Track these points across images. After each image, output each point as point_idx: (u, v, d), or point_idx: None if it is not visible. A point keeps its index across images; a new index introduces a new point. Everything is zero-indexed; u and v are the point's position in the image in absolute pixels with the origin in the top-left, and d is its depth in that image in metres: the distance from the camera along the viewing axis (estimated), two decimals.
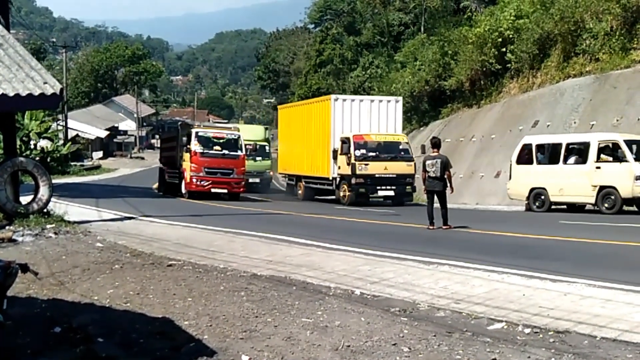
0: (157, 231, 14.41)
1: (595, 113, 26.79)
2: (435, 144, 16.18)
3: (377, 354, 5.22)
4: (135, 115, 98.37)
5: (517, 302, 6.96)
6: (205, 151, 27.63)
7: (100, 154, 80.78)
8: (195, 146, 27.49)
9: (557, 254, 11.57)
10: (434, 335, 5.71)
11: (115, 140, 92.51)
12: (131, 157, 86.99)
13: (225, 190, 27.79)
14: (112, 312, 6.72)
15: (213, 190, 27.48)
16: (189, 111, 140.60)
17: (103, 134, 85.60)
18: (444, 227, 15.52)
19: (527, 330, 5.89)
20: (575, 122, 27.60)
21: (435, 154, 15.91)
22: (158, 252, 10.89)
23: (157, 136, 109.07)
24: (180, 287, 7.88)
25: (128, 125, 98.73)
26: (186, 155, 27.83)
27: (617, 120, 25.69)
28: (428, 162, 15.72)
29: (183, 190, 28.45)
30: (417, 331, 5.87)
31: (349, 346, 5.41)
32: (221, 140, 28.46)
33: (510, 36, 33.99)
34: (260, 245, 12.04)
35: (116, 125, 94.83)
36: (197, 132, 28.10)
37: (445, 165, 15.65)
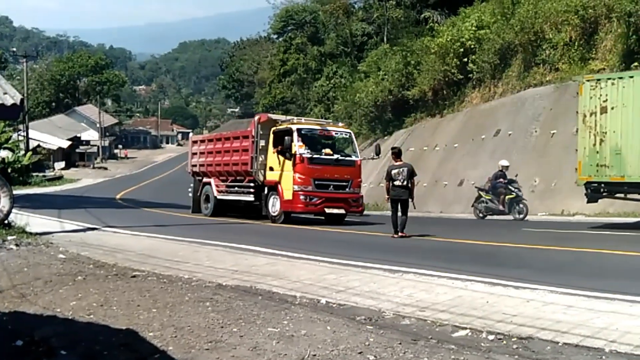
0: (120, 242, 14.27)
1: (555, 122, 27.18)
2: (397, 153, 16.26)
3: None
4: (97, 125, 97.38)
5: (481, 309, 7.03)
6: (315, 156, 20.23)
7: (62, 164, 79.88)
8: (300, 149, 20.02)
9: (520, 261, 11.72)
10: (400, 343, 5.73)
11: (77, 150, 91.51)
12: (94, 168, 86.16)
13: (342, 211, 20.54)
14: (75, 324, 6.64)
15: (328, 210, 20.38)
16: (152, 121, 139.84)
17: (65, 144, 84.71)
18: (400, 234, 15.62)
19: (491, 337, 5.95)
20: (536, 131, 27.99)
21: (400, 162, 15.99)
22: (122, 263, 10.78)
23: (119, 146, 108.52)
24: (144, 298, 7.82)
25: (90, 135, 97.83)
26: (278, 162, 20.72)
27: (577, 129, 26.07)
28: (394, 171, 15.79)
29: (273, 211, 21.04)
30: (383, 339, 5.89)
31: (315, 355, 5.41)
32: (330, 141, 21.43)
33: (472, 46, 34.40)
34: (225, 255, 11.98)
35: (78, 135, 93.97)
36: (300, 129, 20.47)
37: (411, 174, 15.75)
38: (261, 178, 21.46)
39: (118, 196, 41.78)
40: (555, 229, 17.93)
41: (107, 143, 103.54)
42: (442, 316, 6.79)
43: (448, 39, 35.08)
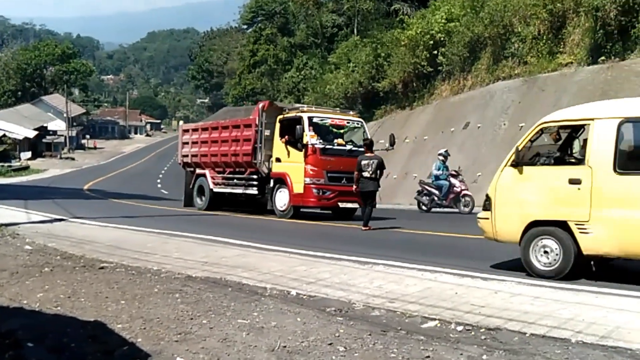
0: (88, 233, 14.13)
1: (523, 115, 27.42)
2: (369, 145, 16.26)
3: (313, 353, 5.24)
4: (65, 115, 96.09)
5: (449, 300, 7.08)
6: (327, 147, 18.87)
7: (28, 154, 78.91)
8: (312, 139, 18.64)
9: (488, 253, 11.81)
10: (369, 334, 5.76)
11: (44, 140, 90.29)
12: (61, 158, 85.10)
13: (356, 205, 18.65)
14: (42, 316, 6.57)
15: (342, 205, 18.95)
16: (120, 111, 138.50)
17: (31, 134, 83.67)
18: (364, 228, 15.67)
19: (460, 328, 6.00)
20: (504, 124, 28.22)
21: (371, 154, 16.00)
22: (89, 255, 10.69)
23: (87, 136, 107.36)
24: (112, 289, 7.76)
25: (57, 125, 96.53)
26: (286, 153, 19.26)
27: None
28: (364, 162, 15.77)
29: (281, 205, 19.57)
30: (353, 330, 5.91)
31: (285, 347, 5.41)
32: (342, 130, 19.77)
33: (442, 39, 34.52)
34: (194, 247, 11.94)
35: (45, 125, 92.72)
36: (311, 118, 19.02)
37: (380, 166, 15.76)
38: (265, 170, 20.05)
39: (86, 187, 41.38)
40: None
41: (74, 133, 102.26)
42: (411, 307, 6.83)
43: (418, 32, 35.16)
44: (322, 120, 19.18)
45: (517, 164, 9.70)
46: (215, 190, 22.48)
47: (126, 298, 7.28)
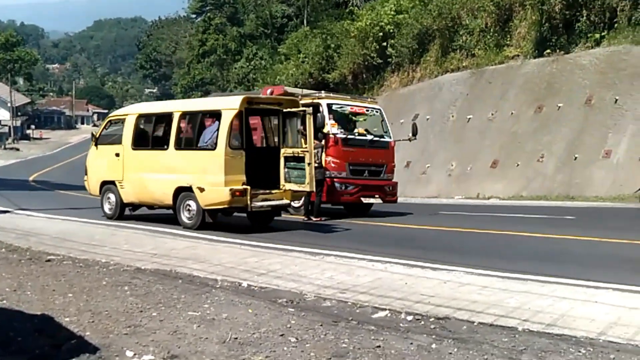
0: (34, 225, 13.90)
1: (471, 107, 27.81)
2: (323, 133, 16.23)
3: (264, 345, 5.25)
4: (8, 105, 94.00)
5: (400, 290, 7.16)
6: (349, 137, 17.07)
7: None
8: (332, 128, 16.69)
9: (437, 243, 12.00)
10: (321, 325, 5.79)
11: None
12: (5, 148, 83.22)
13: (379, 200, 17.26)
14: None
15: (365, 200, 17.10)
16: (66, 100, 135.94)
17: None
18: (307, 218, 15.79)
19: (410, 318, 6.08)
20: (452, 116, 28.56)
21: (318, 142, 16.01)
22: (36, 247, 10.53)
23: (32, 126, 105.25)
24: (60, 282, 7.66)
25: (1, 115, 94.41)
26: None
27: (492, 115, 26.78)
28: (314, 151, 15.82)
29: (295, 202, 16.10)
30: (304, 321, 5.94)
31: (236, 338, 5.41)
32: (362, 119, 17.95)
33: (391, 31, 34.70)
34: (144, 239, 11.83)
35: None
36: (330, 105, 17.01)
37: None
38: None
39: (31, 178, 40.52)
40: (470, 213, 18.35)
41: (19, 123, 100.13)
42: (362, 298, 6.89)
43: (367, 23, 35.26)
44: (341, 107, 17.41)
45: (96, 144, 15.91)
46: None
47: (74, 291, 7.19)
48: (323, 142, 16.14)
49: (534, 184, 24.01)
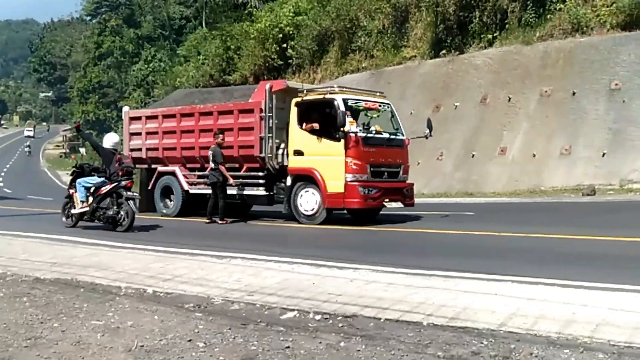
0: None
1: None
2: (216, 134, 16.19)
3: (172, 351, 5.20)
4: None
5: (307, 290, 7.20)
6: (369, 135, 15.16)
7: None
8: (351, 126, 14.70)
9: (343, 242, 12.16)
10: (229, 329, 5.78)
11: None
12: None
13: (400, 204, 15.35)
14: None
15: (388, 204, 15.07)
16: None
17: None
18: (208, 220, 15.80)
19: (318, 317, 6.13)
20: None
21: (214, 145, 16.00)
22: None
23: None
24: None
25: None
26: (312, 144, 15.20)
27: None
28: (210, 153, 15.84)
29: (308, 209, 15.17)
30: (213, 325, 5.92)
31: (142, 346, 5.33)
32: (376, 115, 16.03)
33: (291, 32, 34.85)
34: (42, 247, 11.43)
35: None
36: (346, 100, 14.99)
37: (214, 157, 15.77)
38: (276, 165, 16.04)
39: None
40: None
41: None
42: (270, 299, 6.90)
43: (267, 25, 35.29)
44: (356, 103, 15.53)
45: None
46: (191, 191, 17.82)
47: None
48: (342, 141, 14.55)
49: (434, 182, 24.61)
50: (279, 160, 15.96)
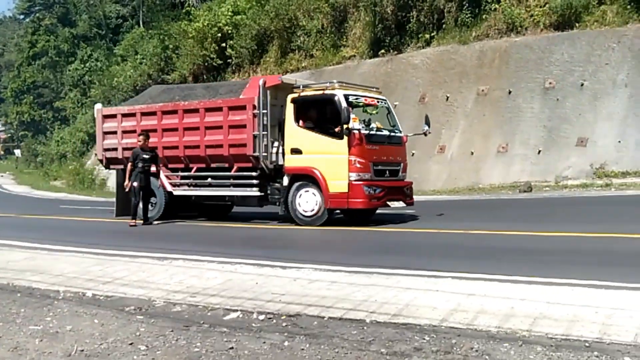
0: None
1: None
2: (148, 136, 16.06)
3: (113, 355, 5.14)
4: None
5: (250, 290, 7.19)
6: (371, 133, 14.64)
7: None
8: (354, 123, 14.00)
9: (285, 242, 12.16)
10: (172, 331, 5.74)
11: None
12: None
13: (402, 204, 14.82)
14: None
15: (392, 204, 14.56)
16: None
17: None
18: (138, 221, 15.88)
19: (262, 317, 6.13)
20: None
21: (148, 147, 15.87)
22: None
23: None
24: None
25: None
26: (311, 141, 14.64)
27: None
28: (144, 155, 15.69)
29: (307, 210, 14.50)
30: (154, 328, 5.87)
31: (82, 350, 5.27)
32: (374, 111, 15.68)
33: (229, 31, 34.67)
34: None
35: None
36: (347, 96, 14.45)
37: (156, 159, 15.89)
38: (270, 164, 15.24)
39: None
40: None
41: None
42: (213, 300, 6.87)
43: (205, 24, 35.04)
44: (356, 99, 14.97)
45: None
46: (175, 193, 16.75)
47: None
48: (345, 139, 13.95)
49: None
50: (274, 159, 15.24)
